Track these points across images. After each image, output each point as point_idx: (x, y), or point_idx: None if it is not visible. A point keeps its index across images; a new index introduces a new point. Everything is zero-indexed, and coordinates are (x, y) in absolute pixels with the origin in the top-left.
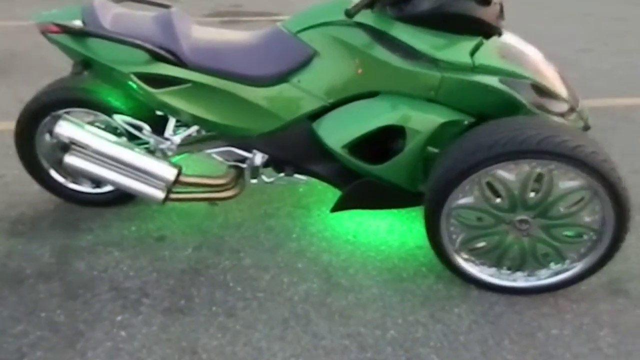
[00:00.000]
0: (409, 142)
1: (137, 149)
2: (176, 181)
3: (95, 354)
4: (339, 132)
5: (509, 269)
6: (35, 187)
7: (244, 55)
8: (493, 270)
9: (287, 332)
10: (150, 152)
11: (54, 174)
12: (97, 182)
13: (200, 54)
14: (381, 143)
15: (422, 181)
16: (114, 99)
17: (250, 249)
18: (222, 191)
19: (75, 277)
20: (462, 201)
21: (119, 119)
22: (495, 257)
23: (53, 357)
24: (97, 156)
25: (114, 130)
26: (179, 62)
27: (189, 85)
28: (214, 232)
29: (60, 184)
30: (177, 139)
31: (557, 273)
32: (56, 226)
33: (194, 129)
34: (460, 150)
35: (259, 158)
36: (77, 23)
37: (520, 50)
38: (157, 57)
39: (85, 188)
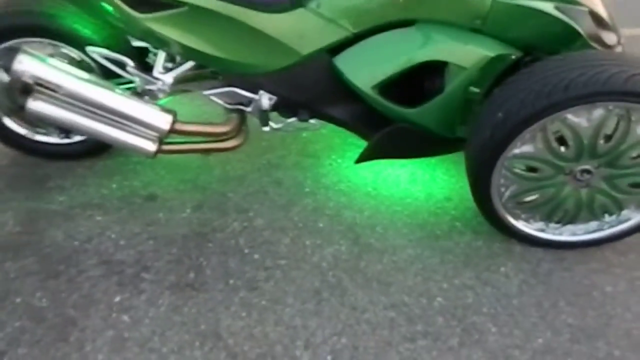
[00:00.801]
0: (451, 81)
1: (120, 91)
2: (171, 130)
3: (96, 347)
4: (368, 69)
5: (557, 222)
6: None
7: None
8: (541, 224)
9: (322, 306)
10: (137, 94)
11: (8, 122)
12: (67, 131)
13: None
14: (416, 82)
15: (460, 126)
16: (83, 27)
17: (259, 206)
18: (223, 140)
19: (52, 250)
20: (521, 150)
21: (95, 53)
22: (546, 211)
23: (41, 353)
24: (70, 100)
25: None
26: None
27: (184, 9)
28: (214, 188)
29: (17, 135)
30: (168, 78)
31: (610, 226)
32: (17, 186)
33: (188, 65)
34: (527, 91)
35: (266, 100)
36: None
37: None
38: None
39: (51, 139)
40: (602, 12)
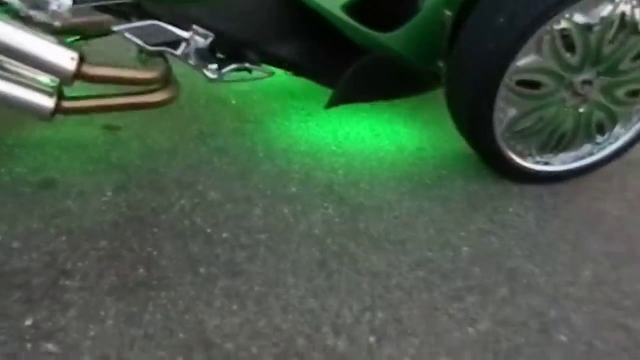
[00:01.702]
0: None
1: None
2: (77, 73)
3: None
4: None
5: (551, 150)
6: None
7: None
8: (535, 155)
9: (334, 279)
10: (21, 20)
11: None
12: None
13: None
14: (383, 7)
15: (437, 59)
16: None
17: (206, 179)
18: (148, 93)
19: None
20: (525, 61)
21: None
22: (543, 137)
23: None
24: None
25: None
26: None
27: None
28: (137, 164)
29: None
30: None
31: (600, 149)
32: None
33: None
34: None
35: (201, 38)
36: None
37: None
38: None
39: None
40: None
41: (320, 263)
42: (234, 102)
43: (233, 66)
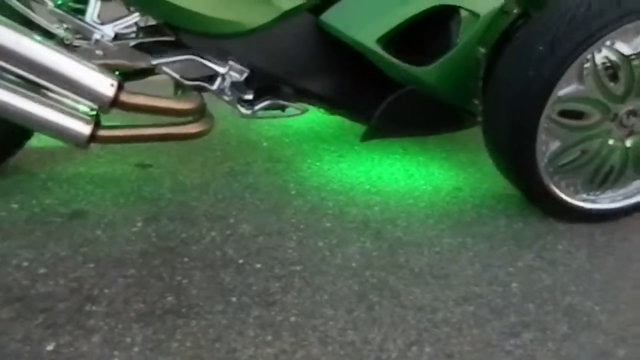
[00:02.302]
0: (465, 31)
1: (40, 38)
2: (115, 100)
3: None
4: (369, 19)
5: (599, 186)
6: None
7: None
8: (582, 193)
9: (376, 312)
10: (64, 46)
11: None
12: None
13: None
14: (415, 41)
15: (472, 97)
16: None
17: (239, 212)
18: (184, 124)
19: None
20: (567, 90)
21: None
22: (590, 171)
23: None
24: None
25: None
26: None
27: None
28: (169, 198)
29: None
30: (109, 30)
31: None
32: None
33: (133, 17)
34: (572, 14)
35: (236, 74)
36: None
37: None
38: None
39: None
40: None
41: (360, 295)
42: (265, 144)
43: (267, 102)
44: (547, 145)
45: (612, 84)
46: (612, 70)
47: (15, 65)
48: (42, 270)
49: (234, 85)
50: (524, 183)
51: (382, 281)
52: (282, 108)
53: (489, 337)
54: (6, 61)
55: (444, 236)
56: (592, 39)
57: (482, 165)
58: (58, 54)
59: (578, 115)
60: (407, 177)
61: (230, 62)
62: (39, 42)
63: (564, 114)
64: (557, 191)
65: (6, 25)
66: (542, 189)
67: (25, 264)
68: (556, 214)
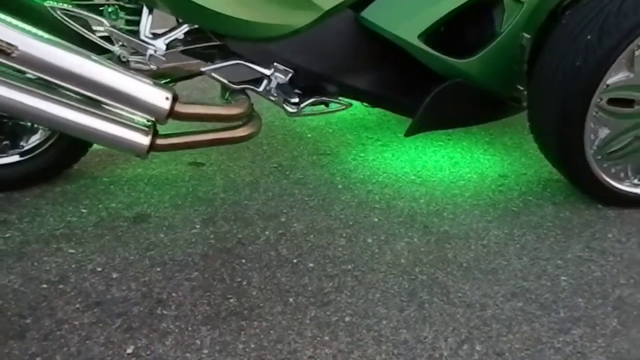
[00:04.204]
0: (509, 20)
1: (98, 57)
2: (171, 111)
3: None
4: (410, 15)
5: None
6: None
7: None
8: (633, 178)
9: (427, 310)
10: (121, 63)
11: None
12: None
13: None
14: (462, 30)
15: (516, 84)
16: None
17: (290, 209)
18: (234, 128)
19: (7, 301)
20: (616, 79)
21: (59, 10)
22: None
23: None
24: (26, 69)
25: None
26: None
27: None
28: (222, 198)
29: None
30: (161, 44)
31: None
32: None
33: (182, 28)
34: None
35: (281, 75)
36: None
37: None
38: None
39: None
40: None
41: (410, 293)
42: (309, 135)
43: (312, 100)
44: (596, 132)
45: None
46: None
47: (78, 86)
48: (115, 275)
49: (280, 85)
50: (571, 171)
51: (432, 277)
52: (326, 104)
53: (538, 334)
54: (70, 83)
55: (491, 228)
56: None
57: (528, 147)
58: (117, 73)
59: (628, 102)
60: (451, 165)
61: (275, 64)
62: (99, 62)
63: (613, 101)
64: (606, 177)
65: (69, 49)
66: (590, 177)
67: (99, 269)
68: (605, 200)
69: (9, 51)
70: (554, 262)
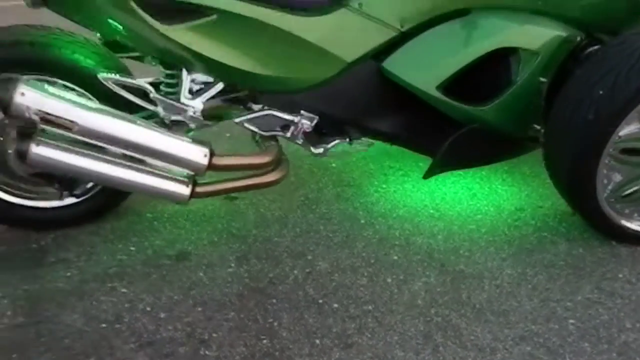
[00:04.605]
0: (525, 69)
1: (145, 123)
2: (209, 165)
3: None
4: (429, 68)
5: None
6: None
7: None
8: None
9: (441, 353)
10: (164, 126)
11: None
12: (71, 185)
13: None
14: (479, 77)
15: (532, 123)
16: (84, 57)
17: (316, 247)
18: (264, 174)
19: (72, 340)
20: (628, 130)
21: (110, 80)
22: None
23: None
24: (86, 139)
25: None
26: None
27: (213, 17)
28: (254, 234)
29: (2, 202)
30: (198, 104)
31: None
32: (9, 266)
33: (218, 86)
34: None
35: (307, 121)
36: None
37: None
38: None
39: (43, 203)
40: None
41: (426, 336)
42: (334, 165)
43: (336, 142)
44: (609, 178)
45: None
46: None
47: (126, 148)
48: (162, 315)
49: (305, 131)
50: (583, 212)
51: (446, 319)
52: (350, 143)
53: None
54: (119, 146)
55: (505, 267)
56: None
57: (545, 177)
58: (160, 135)
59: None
60: (469, 198)
61: (302, 112)
62: (145, 126)
63: (625, 150)
64: (619, 218)
65: (119, 117)
66: (603, 217)
67: (149, 308)
68: (618, 238)
69: (70, 127)
70: (564, 304)
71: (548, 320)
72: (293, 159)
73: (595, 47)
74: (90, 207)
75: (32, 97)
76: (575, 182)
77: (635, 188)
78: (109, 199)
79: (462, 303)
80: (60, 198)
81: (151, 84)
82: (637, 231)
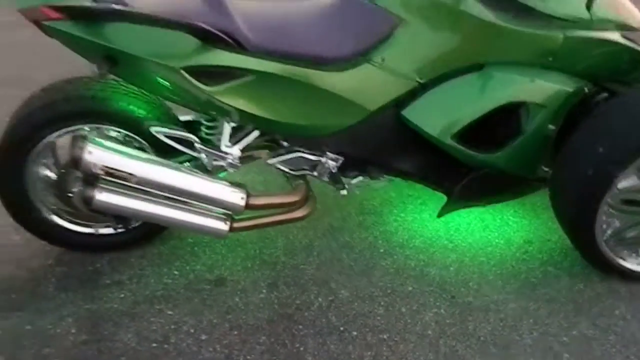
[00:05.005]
0: (533, 121)
1: (191, 170)
2: (246, 206)
3: None
4: (444, 118)
5: None
6: (15, 237)
7: (315, 32)
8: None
9: None
10: (206, 171)
11: (55, 218)
12: (127, 220)
13: (261, 33)
14: (491, 126)
15: (541, 165)
16: (137, 107)
17: (338, 276)
18: (293, 211)
19: (129, 357)
20: (626, 184)
21: (161, 132)
22: None
23: None
24: (141, 187)
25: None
26: (238, 45)
27: (251, 77)
28: (283, 261)
29: (62, 230)
30: (236, 151)
31: None
32: (69, 287)
33: (254, 134)
34: (632, 121)
35: (333, 162)
36: (86, 3)
37: None
38: (211, 43)
39: (100, 230)
40: None
41: None
42: (357, 192)
43: (359, 180)
44: (609, 224)
45: None
46: None
47: (174, 192)
48: (203, 337)
49: (331, 170)
50: (582, 252)
51: (453, 350)
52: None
53: None
54: (170, 192)
55: (510, 300)
56: None
57: None
58: (203, 181)
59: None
60: (482, 229)
61: (328, 153)
62: (190, 173)
63: (624, 201)
64: (617, 258)
65: (169, 166)
66: (601, 257)
67: (192, 330)
68: (614, 275)
69: (129, 178)
70: (560, 339)
71: (545, 355)
72: (319, 186)
73: (604, 95)
74: (137, 234)
75: (98, 155)
76: (576, 226)
77: (632, 234)
78: (153, 227)
79: (469, 335)
80: (114, 227)
81: (191, 122)
82: (633, 270)
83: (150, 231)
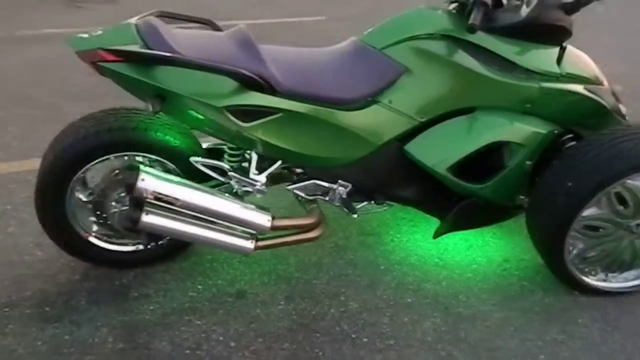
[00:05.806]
0: (514, 157)
1: (227, 196)
2: (270, 228)
3: None
4: (441, 153)
5: (614, 271)
6: (38, 252)
7: (334, 77)
8: (601, 275)
9: None
10: (237, 196)
11: (90, 238)
12: (157, 238)
13: (290, 78)
14: (479, 161)
15: (519, 195)
16: (174, 138)
17: (347, 289)
18: (309, 231)
19: None
20: (588, 212)
21: (199, 162)
22: (606, 263)
23: None
24: (182, 209)
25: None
26: (270, 88)
27: (280, 115)
28: (297, 277)
29: (92, 246)
30: (262, 179)
31: None
32: (100, 301)
33: (278, 164)
34: (594, 162)
35: (343, 189)
36: (136, 47)
37: (584, 56)
38: (248, 85)
39: (127, 247)
40: (614, 87)
41: None
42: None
43: (365, 204)
44: (574, 245)
45: (621, 207)
46: (622, 197)
47: (208, 214)
48: (232, 344)
49: (341, 196)
50: (553, 269)
51: (449, 353)
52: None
53: None
54: (206, 214)
55: (494, 311)
56: (605, 185)
57: (527, 233)
58: (237, 206)
59: (596, 228)
60: (466, 248)
61: (339, 181)
62: (226, 199)
63: (587, 227)
64: (580, 275)
65: (205, 191)
66: (568, 275)
67: (221, 338)
68: (579, 289)
69: (174, 202)
70: (536, 343)
71: (525, 357)
72: (325, 210)
73: (571, 136)
74: (160, 251)
75: (149, 182)
76: (548, 247)
77: (592, 253)
78: (176, 245)
79: (461, 340)
80: (145, 246)
81: (216, 150)
82: (593, 285)
83: (172, 249)
